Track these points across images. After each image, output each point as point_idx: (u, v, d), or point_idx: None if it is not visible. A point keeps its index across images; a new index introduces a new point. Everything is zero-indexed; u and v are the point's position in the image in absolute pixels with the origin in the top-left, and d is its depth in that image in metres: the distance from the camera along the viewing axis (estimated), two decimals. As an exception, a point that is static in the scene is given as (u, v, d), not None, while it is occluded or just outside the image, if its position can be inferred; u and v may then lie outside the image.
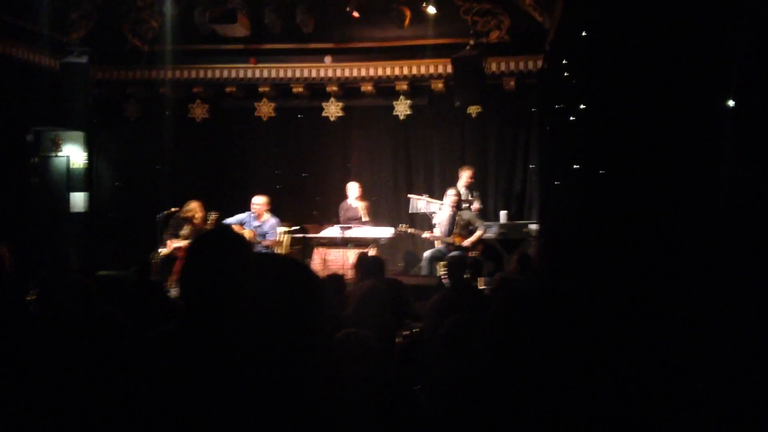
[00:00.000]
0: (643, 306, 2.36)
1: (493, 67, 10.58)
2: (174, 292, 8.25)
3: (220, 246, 1.92)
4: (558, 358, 1.13)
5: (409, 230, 9.91)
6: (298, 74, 11.37)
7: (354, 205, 10.10)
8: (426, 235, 9.71)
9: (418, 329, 5.81)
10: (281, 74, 11.42)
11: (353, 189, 10.21)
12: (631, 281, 2.26)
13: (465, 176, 10.36)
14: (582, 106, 4.83)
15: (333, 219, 10.18)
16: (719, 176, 2.19)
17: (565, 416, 1.13)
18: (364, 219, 9.95)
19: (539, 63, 10.24)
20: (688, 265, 2.30)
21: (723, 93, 2.23)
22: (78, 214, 11.77)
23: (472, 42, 9.98)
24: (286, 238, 9.94)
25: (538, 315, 1.15)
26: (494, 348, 1.17)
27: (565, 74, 6.15)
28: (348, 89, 11.58)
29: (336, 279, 5.28)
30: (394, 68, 11.12)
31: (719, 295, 2.13)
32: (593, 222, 1.80)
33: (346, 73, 11.27)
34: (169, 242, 9.32)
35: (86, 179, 11.89)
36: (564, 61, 6.38)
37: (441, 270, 9.03)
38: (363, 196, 10.29)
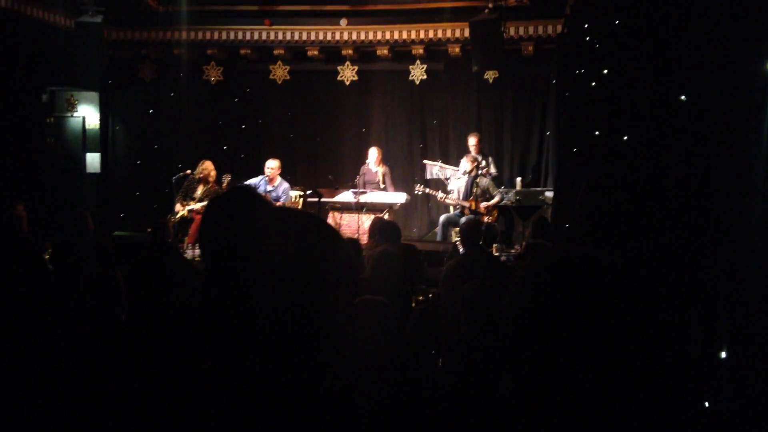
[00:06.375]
0: (688, 276, 2.32)
1: (512, 31, 10.42)
2: (190, 253, 8.29)
3: (239, 203, 1.89)
4: (609, 326, 1.09)
5: (426, 190, 9.83)
6: (313, 37, 11.26)
7: (373, 170, 10.05)
8: (441, 196, 9.64)
9: (432, 295, 5.80)
10: (296, 37, 11.31)
11: (373, 154, 10.14)
12: (669, 248, 2.21)
13: (473, 143, 10.25)
14: (605, 71, 4.73)
15: (348, 183, 10.14)
16: (755, 141, 2.13)
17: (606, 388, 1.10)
18: (381, 186, 9.90)
19: (558, 27, 10.07)
20: (724, 232, 2.25)
21: (760, 57, 2.16)
22: (93, 174, 11.79)
23: (490, 5, 9.79)
24: (300, 203, 9.92)
25: (595, 284, 1.11)
26: (540, 316, 1.13)
27: (587, 38, 6.03)
28: (363, 53, 11.47)
29: (352, 243, 5.23)
30: (410, 32, 10.98)
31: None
32: (633, 190, 1.74)
33: (362, 37, 11.14)
34: (183, 204, 9.32)
35: (101, 140, 11.89)
36: (586, 25, 6.25)
37: (455, 236, 9.00)
38: (383, 162, 10.23)
